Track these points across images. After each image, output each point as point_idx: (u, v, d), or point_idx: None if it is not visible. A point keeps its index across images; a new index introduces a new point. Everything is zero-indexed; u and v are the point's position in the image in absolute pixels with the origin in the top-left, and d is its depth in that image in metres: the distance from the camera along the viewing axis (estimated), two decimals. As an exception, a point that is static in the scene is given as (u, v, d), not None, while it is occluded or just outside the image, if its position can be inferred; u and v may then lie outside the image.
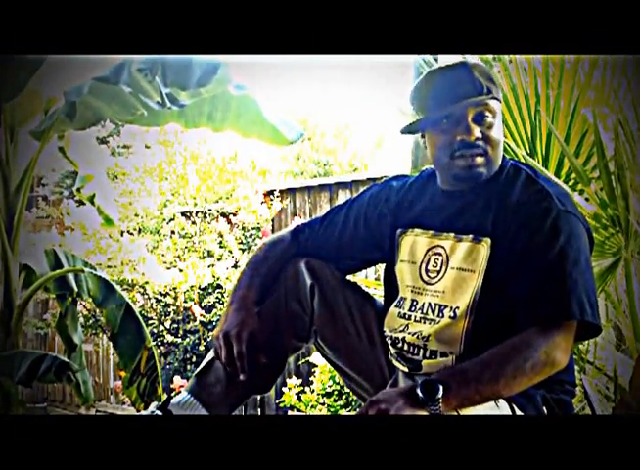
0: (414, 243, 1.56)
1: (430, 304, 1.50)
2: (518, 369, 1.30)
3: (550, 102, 2.22)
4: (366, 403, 1.27)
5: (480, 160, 1.45)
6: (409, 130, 1.53)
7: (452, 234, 1.50)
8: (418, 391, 1.24)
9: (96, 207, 3.43)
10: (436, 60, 2.52)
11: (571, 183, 2.20)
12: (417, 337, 1.49)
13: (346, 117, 13.27)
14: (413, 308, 1.53)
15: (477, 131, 1.44)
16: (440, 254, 1.51)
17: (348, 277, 1.71)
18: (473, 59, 2.33)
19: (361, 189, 1.73)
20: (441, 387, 1.24)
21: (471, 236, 1.47)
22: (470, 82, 1.44)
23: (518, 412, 1.37)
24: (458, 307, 1.45)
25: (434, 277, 1.51)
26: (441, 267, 1.50)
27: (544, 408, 1.44)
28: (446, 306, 1.47)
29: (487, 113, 1.45)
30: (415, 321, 1.51)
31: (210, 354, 1.60)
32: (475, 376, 1.29)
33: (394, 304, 1.58)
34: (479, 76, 1.45)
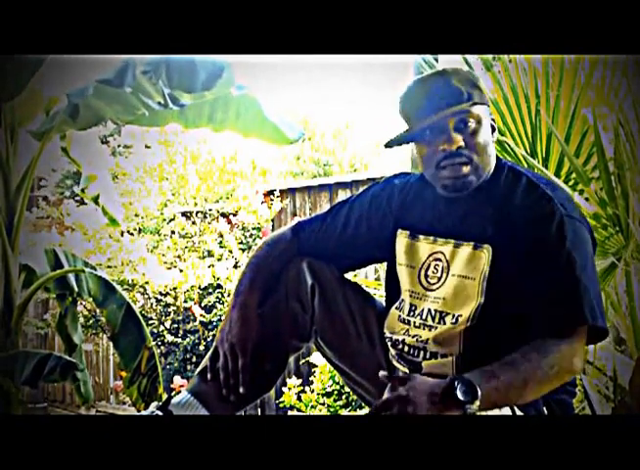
0: (413, 247, 1.56)
1: (430, 310, 1.49)
2: (545, 376, 1.30)
3: (550, 102, 2.22)
4: (391, 396, 1.23)
5: (465, 169, 1.42)
6: (397, 143, 1.50)
7: (452, 240, 1.49)
8: (458, 392, 1.22)
9: (100, 207, 3.42)
10: (437, 60, 2.52)
11: (571, 183, 2.20)
12: (416, 340, 1.50)
13: (346, 117, 13.28)
14: (412, 314, 1.52)
15: (459, 140, 1.41)
16: (440, 259, 1.50)
17: (349, 276, 1.71)
18: (474, 60, 2.34)
19: (361, 189, 1.72)
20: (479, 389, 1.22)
21: (472, 243, 1.46)
22: (449, 91, 1.42)
23: (518, 412, 1.36)
24: (461, 315, 1.45)
25: (435, 283, 1.50)
26: (442, 274, 1.49)
27: (544, 409, 1.44)
28: (448, 313, 1.46)
29: (470, 119, 1.42)
30: (415, 327, 1.51)
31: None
32: (507, 381, 1.27)
33: (395, 305, 1.58)
34: (458, 84, 1.42)
